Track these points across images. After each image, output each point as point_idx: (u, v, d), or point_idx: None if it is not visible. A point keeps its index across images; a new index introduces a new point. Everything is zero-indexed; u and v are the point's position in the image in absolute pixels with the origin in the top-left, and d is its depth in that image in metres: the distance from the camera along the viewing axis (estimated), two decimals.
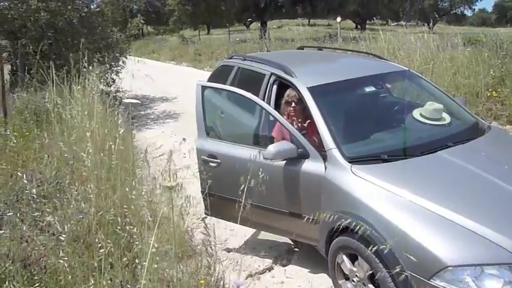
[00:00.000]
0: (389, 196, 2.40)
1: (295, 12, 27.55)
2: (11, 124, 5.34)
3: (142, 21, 10.83)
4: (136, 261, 2.12)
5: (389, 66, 3.85)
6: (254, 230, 3.71)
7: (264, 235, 3.62)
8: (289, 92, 3.23)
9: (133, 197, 2.86)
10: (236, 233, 3.75)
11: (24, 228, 2.70)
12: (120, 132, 4.35)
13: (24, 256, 2.33)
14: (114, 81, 9.25)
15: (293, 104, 3.19)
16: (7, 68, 8.99)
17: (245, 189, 3.17)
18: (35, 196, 3.02)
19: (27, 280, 2.22)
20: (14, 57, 8.45)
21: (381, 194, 2.43)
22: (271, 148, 2.78)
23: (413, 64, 7.58)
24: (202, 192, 3.34)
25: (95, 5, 9.33)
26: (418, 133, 3.07)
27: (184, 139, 4.29)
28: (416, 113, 3.19)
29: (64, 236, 2.51)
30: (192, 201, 3.85)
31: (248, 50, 14.64)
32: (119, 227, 2.55)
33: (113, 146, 4.21)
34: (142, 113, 9.22)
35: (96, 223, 2.68)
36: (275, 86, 3.37)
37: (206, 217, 3.72)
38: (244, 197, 3.14)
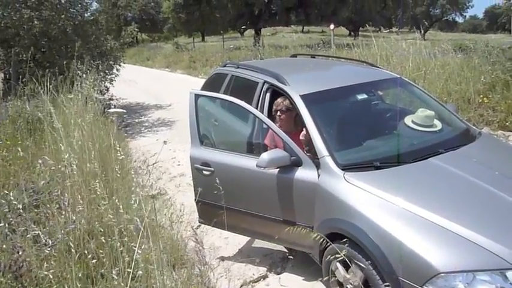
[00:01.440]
0: (382, 203, 2.41)
1: (288, 19, 27.75)
2: (4, 133, 5.31)
3: (136, 29, 10.84)
4: (128, 270, 2.10)
5: (382, 73, 3.88)
6: (248, 238, 3.70)
7: (259, 243, 3.61)
8: (277, 100, 3.26)
9: (122, 206, 2.85)
10: (230, 241, 3.74)
11: (16, 239, 2.68)
12: (112, 141, 4.34)
13: (16, 267, 2.30)
14: (108, 89, 9.22)
15: (278, 113, 3.22)
16: (0, 76, 8.96)
17: (238, 197, 3.18)
18: (27, 206, 3.00)
19: None
20: (7, 65, 8.42)
21: (374, 201, 2.44)
22: (265, 156, 2.79)
23: (406, 71, 7.65)
24: (196, 200, 3.33)
25: (89, 14, 9.32)
26: (410, 140, 3.09)
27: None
28: (408, 120, 3.22)
29: (55, 246, 2.49)
30: (186, 210, 3.86)
31: (242, 57, 14.69)
32: (109, 238, 2.53)
33: (104, 154, 4.21)
34: (137, 120, 9.19)
35: (87, 233, 2.66)
36: (268, 94, 3.38)
37: (200, 225, 3.71)
38: (237, 205, 3.15)
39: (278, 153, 2.85)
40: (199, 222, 3.58)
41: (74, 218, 2.64)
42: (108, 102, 8.76)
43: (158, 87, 13.40)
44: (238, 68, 4.03)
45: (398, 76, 3.85)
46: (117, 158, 3.98)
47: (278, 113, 3.23)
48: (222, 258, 3.50)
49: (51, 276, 2.09)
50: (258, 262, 3.37)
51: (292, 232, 2.78)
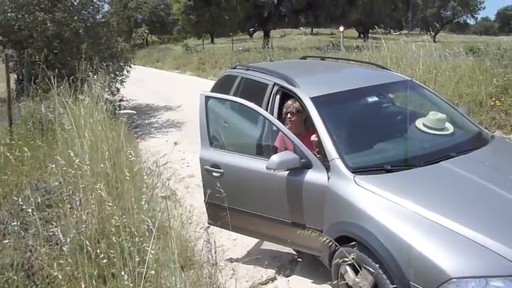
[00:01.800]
0: (393, 207, 2.40)
1: (298, 21, 27.70)
2: (16, 133, 5.39)
3: (147, 31, 10.92)
4: (137, 270, 2.11)
5: (392, 76, 3.86)
6: (257, 240, 3.70)
7: (267, 245, 3.61)
8: (287, 102, 3.26)
9: (133, 206, 2.87)
10: (239, 243, 3.74)
11: (29, 238, 2.72)
12: (123, 142, 4.38)
13: (28, 266, 2.33)
14: (118, 90, 9.31)
15: (289, 115, 3.22)
16: (13, 77, 9.09)
17: (247, 199, 3.19)
18: (39, 205, 3.04)
19: None
20: (20, 66, 8.54)
21: (384, 205, 2.43)
22: (275, 158, 2.79)
23: (416, 73, 7.59)
24: (205, 201, 3.34)
25: (100, 16, 9.42)
26: (421, 143, 3.07)
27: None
28: (419, 123, 3.20)
29: (67, 246, 2.52)
30: (195, 211, 3.88)
31: (251, 59, 14.72)
32: (120, 238, 2.55)
33: (114, 155, 4.24)
34: (146, 121, 9.26)
35: (98, 233, 2.69)
36: (278, 96, 3.38)
37: (209, 227, 3.73)
38: (246, 206, 3.16)
39: (288, 155, 2.85)
40: (208, 224, 3.59)
41: (85, 217, 2.66)
42: (118, 103, 8.85)
43: (167, 88, 13.48)
44: (248, 70, 4.04)
45: (409, 78, 3.83)
46: (127, 159, 4.02)
47: (288, 115, 3.23)
48: (231, 260, 3.51)
49: (60, 277, 2.11)
50: (267, 264, 3.37)
51: (301, 235, 2.78)
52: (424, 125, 3.17)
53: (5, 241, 2.57)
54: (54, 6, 8.15)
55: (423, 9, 36.56)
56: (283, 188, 2.92)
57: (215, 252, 2.94)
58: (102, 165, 3.40)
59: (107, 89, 7.77)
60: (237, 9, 24.76)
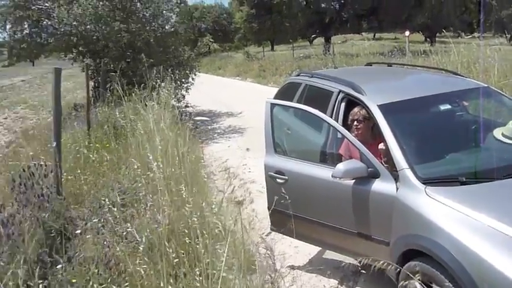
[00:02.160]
0: (468, 220, 2.26)
1: (360, 26, 27.18)
2: (93, 136, 5.83)
3: (211, 39, 11.35)
4: (208, 271, 2.20)
5: (466, 82, 3.65)
6: (319, 249, 3.67)
7: (330, 254, 3.56)
8: (353, 110, 3.21)
9: (204, 209, 2.99)
10: (300, 250, 3.73)
11: (106, 235, 2.93)
12: (189, 146, 4.58)
13: (106, 260, 2.51)
14: (184, 97, 9.73)
15: (355, 123, 3.16)
16: (90, 84, 9.87)
17: (311, 206, 3.18)
18: (116, 204, 3.27)
19: (108, 282, 2.40)
20: (97, 74, 9.25)
21: (458, 218, 2.30)
22: (341, 166, 2.76)
23: (491, 79, 7.09)
24: (269, 208, 3.38)
25: (169, 25, 9.93)
26: (500, 154, 2.86)
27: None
28: (497, 133, 2.99)
29: (142, 245, 2.68)
30: (258, 216, 3.93)
31: (312, 65, 14.67)
32: (191, 239, 2.66)
33: (182, 159, 4.43)
34: (209, 127, 9.57)
35: (168, 233, 2.82)
36: (343, 104, 3.34)
37: (271, 232, 3.75)
38: (310, 214, 3.15)
39: (355, 164, 2.80)
40: (271, 230, 3.62)
41: (159, 217, 2.81)
42: (183, 109, 9.24)
43: (229, 95, 13.83)
44: (312, 77, 4.04)
45: (486, 85, 3.60)
46: (193, 162, 4.19)
47: (355, 123, 3.18)
48: (292, 267, 3.51)
49: (142, 271, 2.24)
50: (329, 274, 3.32)
51: (366, 246, 2.71)
52: (503, 134, 2.96)
53: (87, 236, 2.79)
54: (128, 17, 8.74)
55: (498, 10, 34.08)
56: (348, 197, 2.88)
57: (277, 259, 2.96)
58: (172, 169, 3.58)
59: (173, 96, 8.18)
60: (298, 17, 24.86)
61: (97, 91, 8.64)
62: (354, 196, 2.85)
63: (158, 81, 6.41)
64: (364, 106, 3.12)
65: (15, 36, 10.21)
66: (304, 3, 25.11)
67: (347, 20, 25.98)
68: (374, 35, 35.29)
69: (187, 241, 2.49)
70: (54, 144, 3.49)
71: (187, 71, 9.90)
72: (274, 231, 3.54)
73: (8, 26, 10.32)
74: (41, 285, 2.16)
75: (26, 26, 10.46)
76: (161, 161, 3.44)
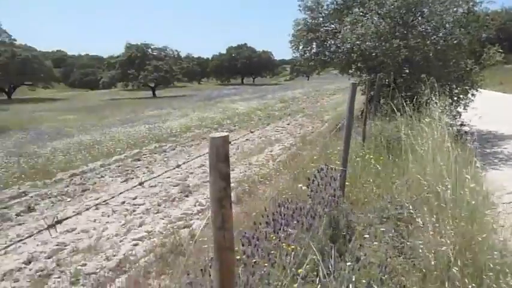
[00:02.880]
0: None
1: None
2: (367, 148, 6.11)
3: (500, 50, 9.94)
4: None
5: None
6: None
7: None
8: None
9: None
10: None
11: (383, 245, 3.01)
12: (472, 171, 4.11)
13: (389, 270, 2.58)
14: (460, 114, 8.91)
15: None
16: (362, 98, 10.39)
17: None
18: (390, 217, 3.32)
19: None
20: (370, 89, 9.65)
21: None
22: None
23: None
24: None
25: (452, 38, 9.30)
26: None
27: None
28: None
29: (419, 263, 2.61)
30: None
31: None
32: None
33: (463, 185, 4.04)
34: (488, 150, 8.40)
35: (454, 259, 2.65)
36: None
37: None
38: None
39: None
40: None
41: (442, 240, 2.68)
42: (458, 128, 8.46)
43: (508, 115, 11.75)
44: None
45: None
46: (473, 190, 3.73)
47: None
48: None
49: None
50: None
51: None
52: None
53: (367, 242, 2.95)
54: (408, 33, 8.71)
55: None
56: None
57: None
58: (453, 195, 3.33)
59: (448, 113, 7.58)
60: None
61: (370, 105, 9.00)
62: None
63: (433, 97, 6.08)
64: None
65: (305, 55, 11.87)
66: None
67: None
68: None
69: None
70: (342, 149, 3.85)
71: (466, 87, 8.99)
72: None
73: (300, 47, 12.09)
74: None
75: (313, 46, 12.04)
76: (447, 184, 3.25)
